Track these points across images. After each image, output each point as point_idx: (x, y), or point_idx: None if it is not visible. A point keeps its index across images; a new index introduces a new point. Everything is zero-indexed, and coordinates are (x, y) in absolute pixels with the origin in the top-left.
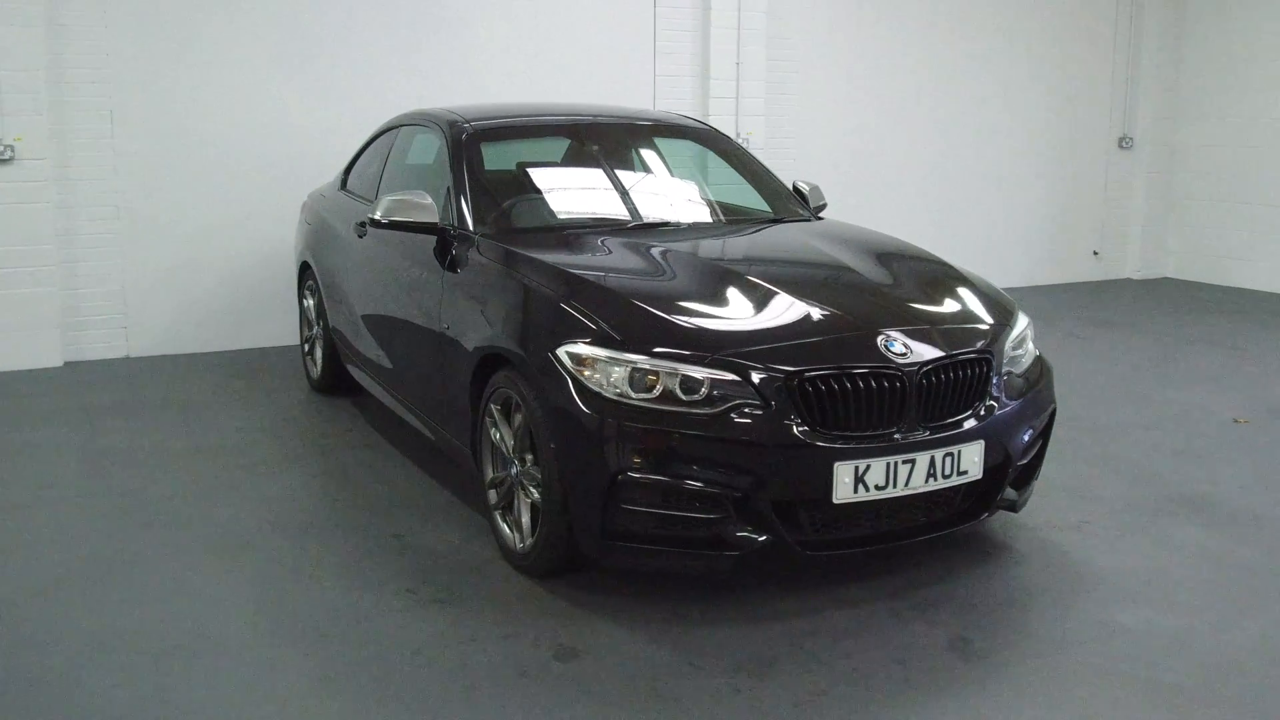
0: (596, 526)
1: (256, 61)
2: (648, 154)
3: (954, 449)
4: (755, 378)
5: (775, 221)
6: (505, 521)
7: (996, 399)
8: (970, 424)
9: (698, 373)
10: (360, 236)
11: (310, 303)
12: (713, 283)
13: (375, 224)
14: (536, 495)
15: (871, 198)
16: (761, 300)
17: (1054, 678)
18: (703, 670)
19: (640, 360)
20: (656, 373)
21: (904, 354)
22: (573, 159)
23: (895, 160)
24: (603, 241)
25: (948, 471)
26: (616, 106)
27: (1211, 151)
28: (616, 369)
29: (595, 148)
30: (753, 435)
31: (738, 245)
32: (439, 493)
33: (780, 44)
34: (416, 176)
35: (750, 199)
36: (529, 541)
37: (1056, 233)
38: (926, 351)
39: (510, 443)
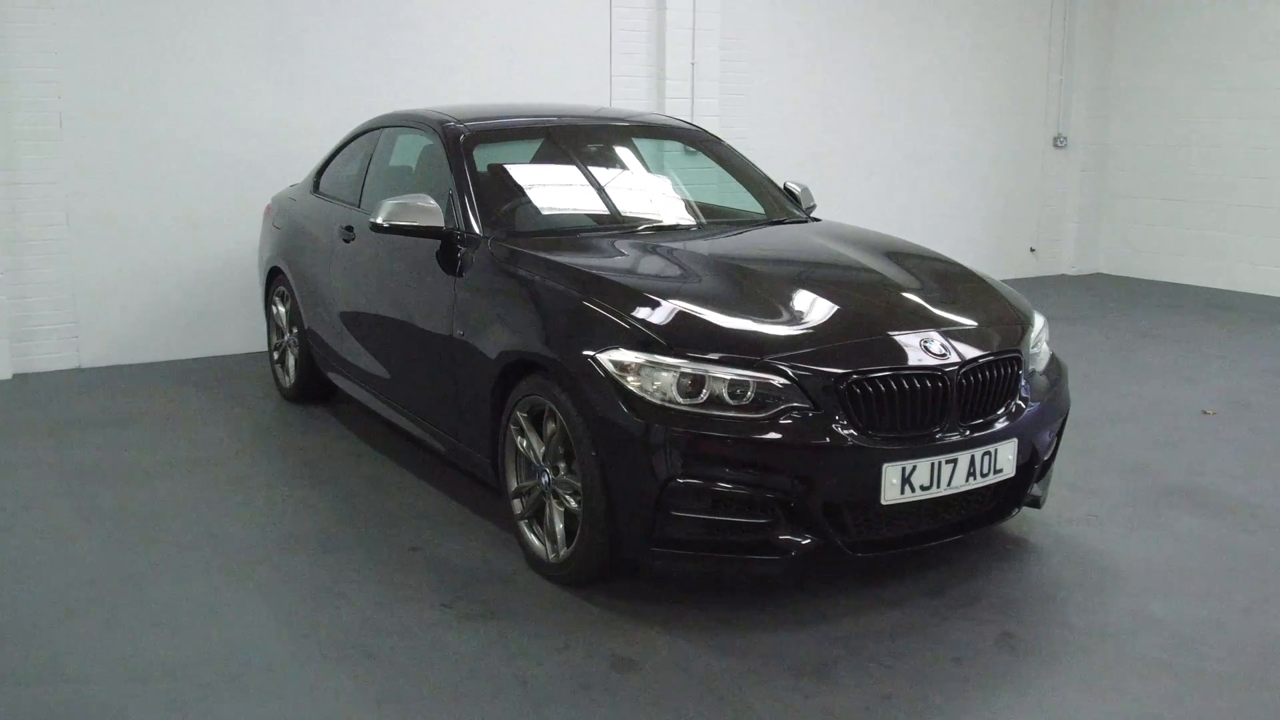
0: (645, 534)
1: (212, 58)
2: (643, 155)
3: (991, 448)
4: (804, 381)
5: (776, 223)
6: (532, 531)
7: (1024, 398)
8: (1003, 423)
9: (746, 376)
10: (346, 241)
11: (281, 309)
12: (743, 285)
13: (377, 228)
14: (574, 504)
15: (820, 196)
16: (795, 302)
17: (1105, 670)
18: (765, 676)
19: (687, 365)
20: (704, 377)
21: (943, 354)
22: (571, 161)
23: (842, 160)
24: (619, 245)
25: (985, 470)
26: (603, 108)
27: (1141, 150)
28: (663, 374)
29: (592, 149)
30: (803, 438)
31: (753, 246)
32: (446, 503)
33: (734, 45)
34: (402, 179)
35: (744, 200)
36: (564, 551)
37: (995, 230)
38: (964, 352)
39: (540, 450)
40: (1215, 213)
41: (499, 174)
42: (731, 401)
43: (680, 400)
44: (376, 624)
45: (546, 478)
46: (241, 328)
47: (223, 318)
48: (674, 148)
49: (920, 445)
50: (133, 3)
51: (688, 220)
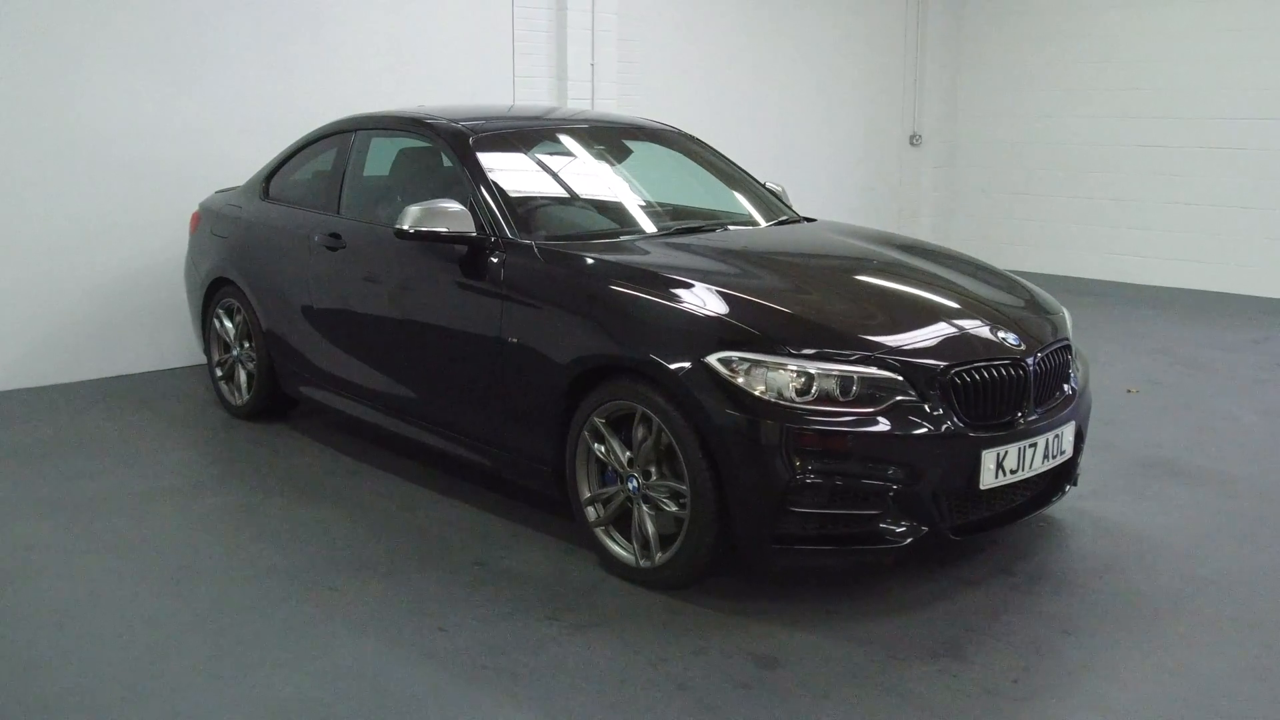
0: (766, 532)
1: (108, 64)
2: (647, 158)
3: (1059, 430)
4: (911, 374)
5: (783, 222)
6: (612, 537)
7: (1074, 383)
8: (1065, 407)
9: (859, 372)
10: (331, 250)
11: (228, 324)
12: (814, 282)
13: (403, 235)
14: (674, 507)
15: None
16: (871, 298)
17: (1196, 629)
18: (905, 660)
19: (800, 363)
20: (817, 374)
21: (1019, 345)
22: (579, 163)
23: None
24: (668, 245)
25: (1055, 452)
26: (584, 110)
27: (991, 147)
28: (775, 373)
29: (596, 151)
30: (914, 430)
31: (794, 245)
32: (480, 515)
33: (631, 45)
34: (393, 185)
35: (735, 201)
36: (661, 555)
37: (859, 223)
38: (1034, 341)
39: (624, 456)
40: (1062, 205)
41: (513, 177)
42: (840, 397)
43: (794, 398)
44: (495, 643)
45: (634, 483)
46: (156, 342)
47: (134, 332)
48: (668, 152)
49: (1009, 431)
50: (23, 3)
51: (711, 221)
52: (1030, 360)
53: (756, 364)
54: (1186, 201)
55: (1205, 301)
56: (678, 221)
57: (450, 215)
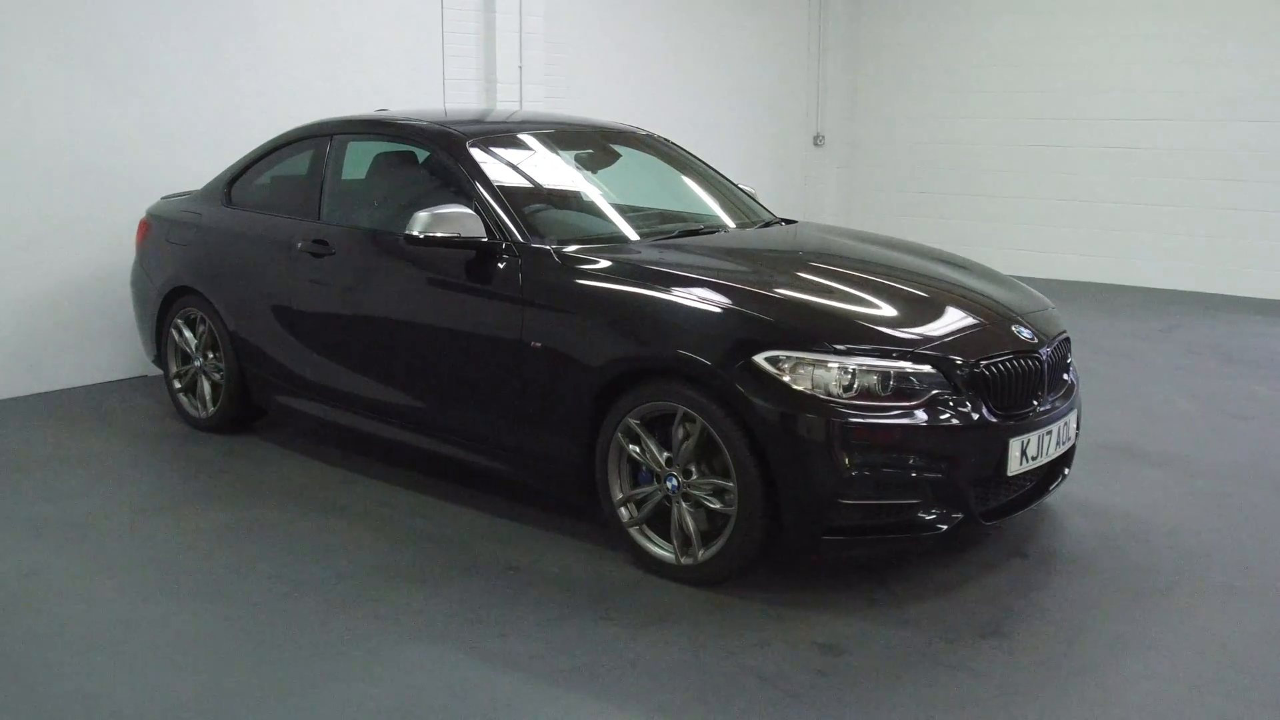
0: (817, 525)
1: (36, 68)
2: (629, 161)
3: (1066, 418)
4: (946, 368)
5: (769, 225)
6: (646, 536)
7: (1072, 373)
8: (1069, 396)
9: (899, 367)
10: (318, 256)
11: (189, 334)
12: (838, 281)
13: (414, 241)
14: (718, 504)
15: None
16: (893, 296)
17: (1200, 602)
18: (958, 640)
19: (843, 360)
20: (859, 370)
21: (1033, 338)
22: (571, 165)
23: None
24: (684, 246)
25: (1063, 439)
26: (562, 113)
27: (890, 148)
28: (820, 370)
29: (586, 154)
30: (952, 421)
31: (803, 246)
32: (496, 521)
33: (558, 48)
34: (378, 189)
35: (722, 204)
36: (704, 552)
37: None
38: (1042, 334)
39: (661, 455)
40: (961, 203)
41: (513, 180)
42: (880, 392)
43: (840, 394)
44: (560, 646)
45: (673, 482)
46: (86, 357)
47: (61, 347)
48: (651, 156)
49: (1030, 420)
50: None
51: (709, 223)
52: (1044, 351)
53: (803, 362)
54: (1082, 199)
55: (1106, 294)
56: (677, 224)
57: (461, 220)
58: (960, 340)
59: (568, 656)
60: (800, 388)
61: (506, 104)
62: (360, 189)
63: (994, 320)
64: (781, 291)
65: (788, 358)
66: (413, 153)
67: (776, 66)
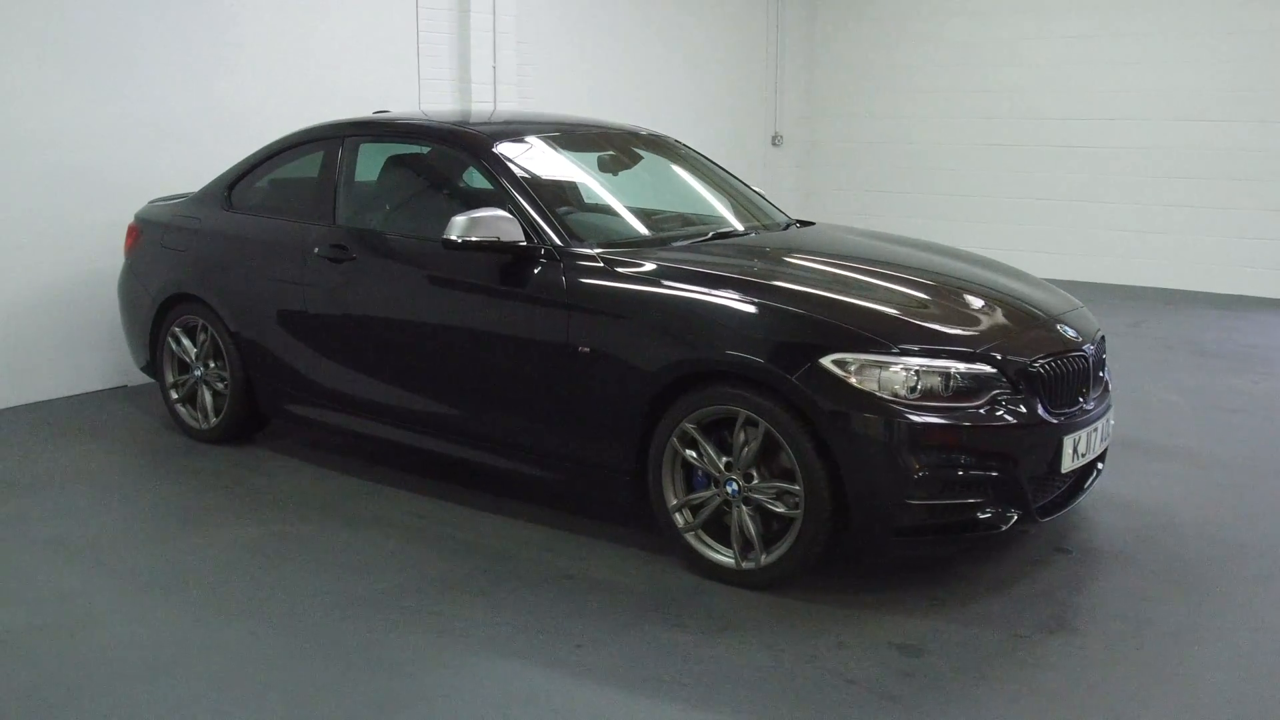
0: (887, 526)
1: (24, 59)
2: (648, 163)
3: (1107, 415)
4: (1006, 368)
5: (789, 227)
6: (703, 540)
7: (1106, 371)
8: (1107, 395)
9: (960, 368)
10: (336, 261)
11: (187, 343)
12: (884, 282)
13: (451, 245)
14: (782, 508)
15: None
16: (942, 297)
17: (1240, 590)
18: (1030, 636)
19: (908, 361)
20: (923, 371)
21: (1077, 337)
22: (593, 168)
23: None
24: (731, 249)
25: (1105, 435)
26: (568, 114)
27: (846, 147)
28: (887, 372)
29: (607, 157)
30: (1014, 420)
31: (840, 248)
32: (531, 527)
33: (530, 48)
34: (402, 194)
35: (744, 206)
36: (766, 556)
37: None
38: (1085, 333)
39: (720, 460)
40: (917, 202)
41: (543, 182)
42: (943, 392)
43: (907, 395)
44: (638, 655)
45: (733, 486)
46: (66, 367)
47: (40, 357)
48: (661, 157)
49: (1080, 418)
50: None
51: (738, 224)
52: (1088, 349)
53: (869, 364)
54: (1039, 197)
55: (1065, 290)
56: (704, 226)
57: (498, 224)
58: (1014, 340)
59: (648, 666)
60: (867, 390)
61: (480, 104)
62: (379, 192)
63: (1040, 320)
64: (840, 294)
65: (855, 360)
66: (433, 155)
67: (735, 67)
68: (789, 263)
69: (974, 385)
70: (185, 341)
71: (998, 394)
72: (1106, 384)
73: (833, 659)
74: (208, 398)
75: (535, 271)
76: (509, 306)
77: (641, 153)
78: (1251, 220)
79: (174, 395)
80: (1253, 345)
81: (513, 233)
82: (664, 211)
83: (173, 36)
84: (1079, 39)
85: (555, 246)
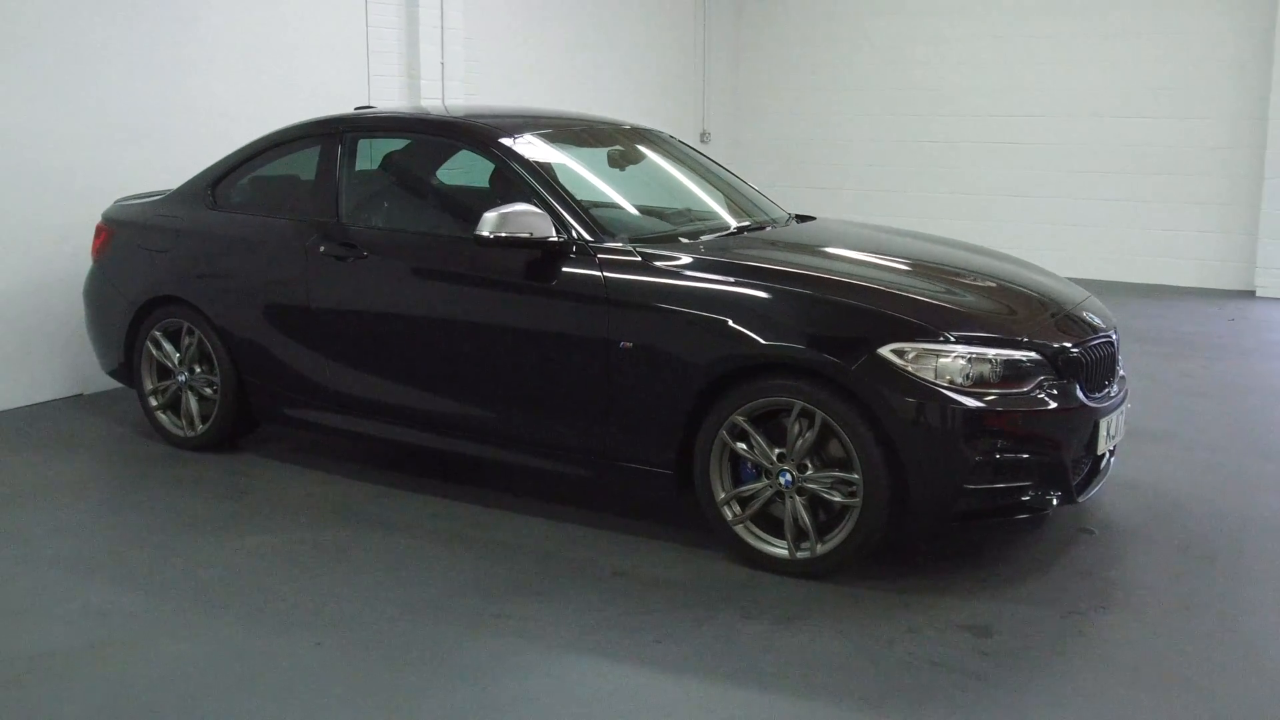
0: (945, 511)
1: None
2: (654, 159)
3: (1126, 400)
4: (1051, 355)
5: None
6: (751, 533)
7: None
8: (1124, 380)
9: (1010, 355)
10: (342, 259)
11: (169, 347)
12: (923, 274)
13: (483, 242)
14: (839, 497)
15: None
16: (975, 287)
17: (1269, 565)
18: (1087, 614)
19: (962, 349)
20: (976, 359)
21: (1102, 324)
22: (604, 163)
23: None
24: (765, 243)
25: (1127, 418)
26: (566, 110)
27: (774, 144)
28: (943, 360)
29: (616, 152)
30: (1061, 404)
31: (864, 241)
32: (568, 526)
33: (476, 44)
34: (409, 189)
35: (748, 201)
36: (822, 546)
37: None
38: (1105, 321)
39: (772, 452)
40: (845, 200)
41: (566, 178)
42: (994, 379)
43: (963, 383)
44: (718, 649)
45: (787, 477)
46: (19, 376)
47: None
48: (657, 151)
49: (1109, 402)
50: None
51: (749, 219)
52: (1114, 336)
53: (927, 353)
54: (964, 192)
55: None
56: (719, 220)
57: (530, 219)
58: (1053, 327)
59: (731, 658)
60: (925, 378)
61: (429, 101)
62: (387, 188)
63: (1067, 308)
64: (889, 285)
65: (912, 349)
66: (442, 150)
67: (667, 64)
68: (824, 255)
69: (1022, 371)
70: (167, 346)
71: (1043, 379)
72: (1122, 369)
73: (909, 643)
74: (193, 404)
75: (568, 267)
76: (542, 302)
77: (642, 148)
78: (1168, 212)
79: (154, 402)
80: (1187, 332)
81: (544, 228)
82: (674, 207)
83: (131, 32)
84: (1001, 39)
85: (587, 241)
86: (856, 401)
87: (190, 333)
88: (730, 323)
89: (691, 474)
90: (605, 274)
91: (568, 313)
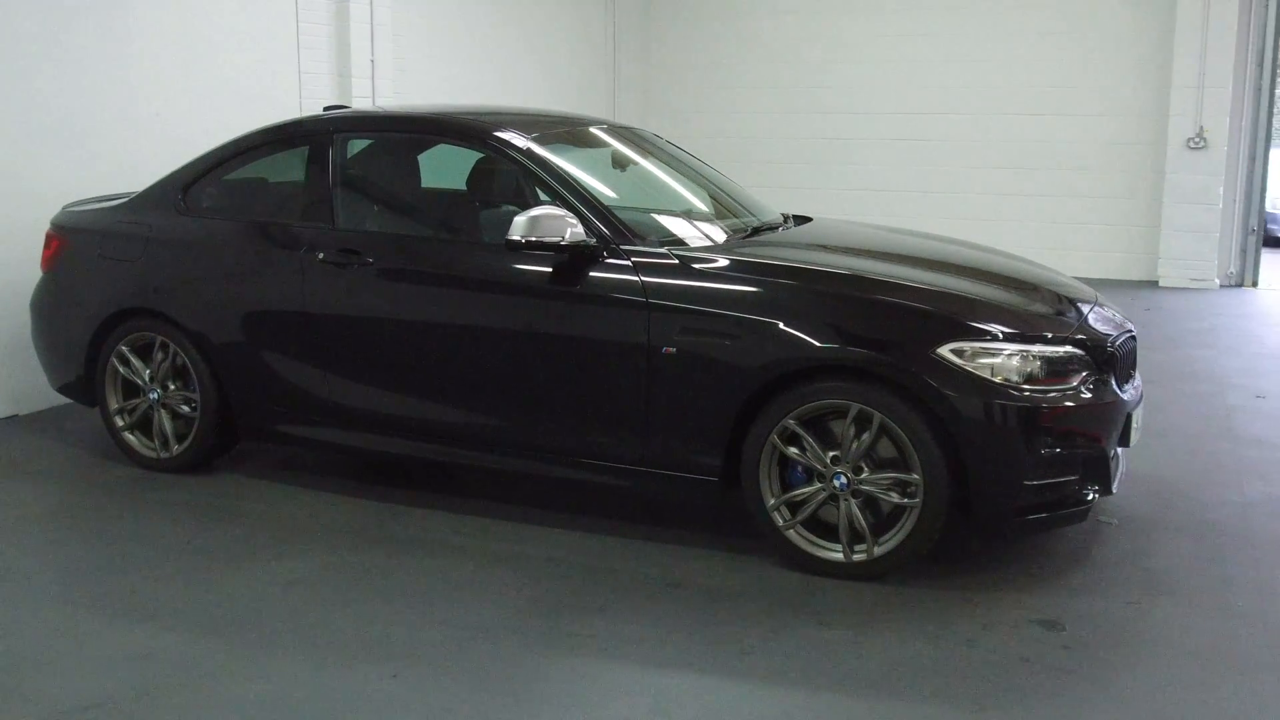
0: (1008, 508)
1: None
2: (651, 158)
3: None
4: (1092, 351)
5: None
6: (803, 537)
7: None
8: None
9: (1059, 352)
10: (342, 266)
11: (138, 363)
12: (956, 274)
13: (514, 246)
14: (896, 498)
15: None
16: (1011, 286)
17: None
18: (1144, 603)
19: (1015, 347)
20: (1029, 356)
21: (1124, 320)
22: (611, 163)
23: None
24: (802, 244)
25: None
26: (553, 109)
27: (682, 141)
28: (999, 359)
29: (622, 154)
30: (1104, 399)
31: (886, 242)
32: (603, 539)
33: (404, 41)
34: (415, 193)
35: (751, 202)
36: (880, 548)
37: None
38: (1124, 317)
39: (825, 455)
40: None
41: (586, 180)
42: (1044, 376)
43: (1019, 380)
44: (804, 657)
45: (841, 480)
46: None
47: None
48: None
49: (1137, 395)
50: None
51: (759, 220)
52: (1134, 332)
53: (983, 352)
54: (870, 188)
55: None
56: (735, 221)
57: (561, 223)
58: (1090, 325)
59: (820, 666)
60: (983, 376)
61: (361, 99)
62: (389, 192)
63: (1096, 306)
64: (936, 285)
65: (969, 348)
66: (447, 152)
67: (579, 62)
68: (858, 255)
69: (1069, 367)
70: (136, 362)
71: (1086, 375)
72: None
73: (989, 640)
74: (167, 423)
75: (599, 271)
76: (574, 308)
77: (634, 147)
78: (1073, 207)
79: (120, 422)
80: None
81: (575, 231)
82: (679, 208)
83: (64, 32)
84: (905, 36)
85: (620, 244)
86: (916, 402)
87: (164, 347)
88: (782, 325)
89: (733, 479)
90: (643, 278)
91: (604, 318)
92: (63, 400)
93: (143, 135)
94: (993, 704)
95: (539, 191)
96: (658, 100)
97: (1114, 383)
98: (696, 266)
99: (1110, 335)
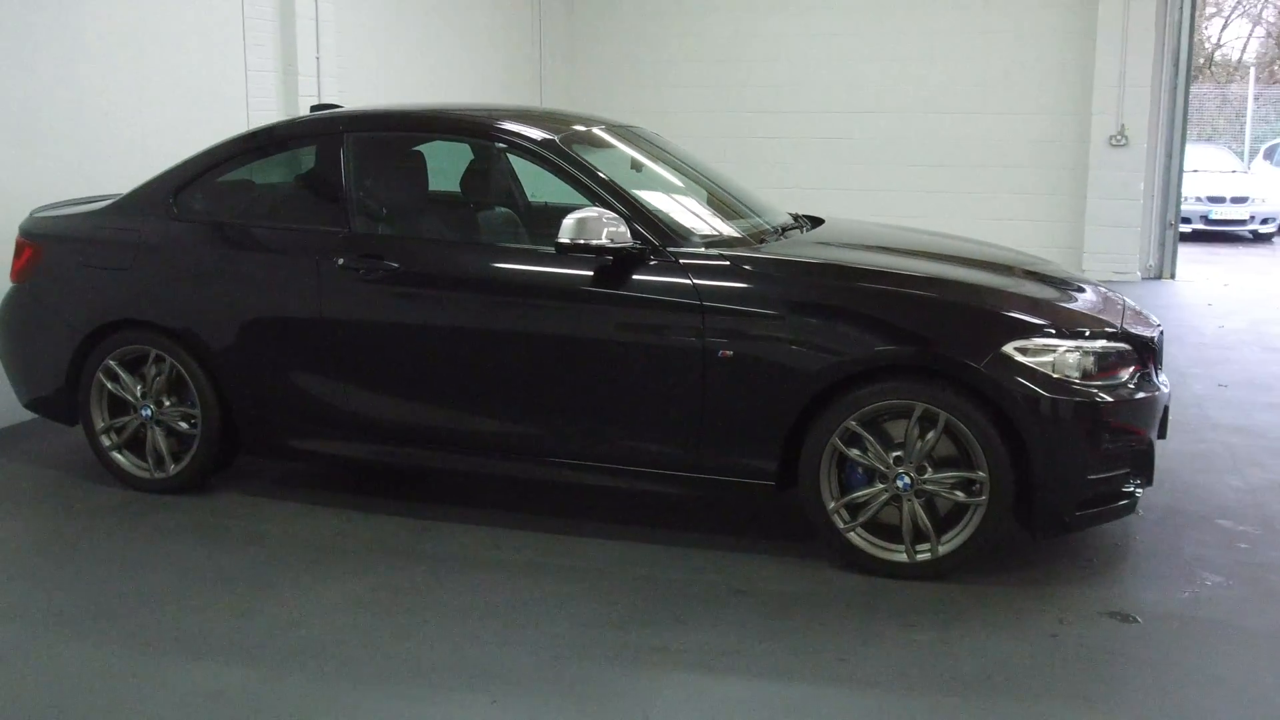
0: (1072, 504)
1: None
2: (664, 159)
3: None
4: (1137, 345)
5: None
6: (866, 539)
7: None
8: None
9: (1112, 347)
10: (366, 272)
11: (127, 378)
12: (992, 272)
13: (563, 249)
14: (962, 496)
15: None
16: (1049, 284)
17: None
18: (1202, 593)
19: (1074, 343)
20: (1087, 352)
21: (1148, 316)
22: (632, 164)
23: None
24: (839, 244)
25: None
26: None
27: None
28: (1061, 356)
29: (641, 152)
30: (1152, 392)
31: (910, 241)
32: (649, 548)
33: (346, 37)
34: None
35: (757, 202)
36: (944, 547)
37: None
38: (1146, 313)
39: (887, 456)
40: None
41: (622, 180)
42: (1097, 371)
43: (1078, 376)
44: (899, 663)
45: (905, 480)
46: None
47: None
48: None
49: (1169, 389)
50: None
51: (782, 220)
52: (1163, 327)
53: (1045, 349)
54: (799, 186)
55: None
56: (760, 221)
57: (607, 225)
58: (1129, 318)
59: (919, 670)
60: (1046, 373)
61: (307, 98)
62: (410, 194)
63: (1125, 302)
64: (991, 284)
65: (1033, 345)
66: (468, 151)
67: (508, 59)
68: (901, 255)
69: (1121, 362)
70: (126, 377)
71: (1133, 369)
72: None
73: (1071, 634)
74: (160, 441)
75: (646, 274)
76: (622, 312)
77: (642, 148)
78: (998, 203)
79: (107, 441)
80: None
81: (622, 234)
82: (709, 207)
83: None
84: (836, 36)
85: (668, 247)
86: (982, 400)
87: (159, 360)
88: (842, 326)
89: (788, 482)
90: (695, 280)
91: (654, 321)
92: (23, 417)
93: (93, 135)
94: (1100, 698)
95: (580, 195)
96: (585, 100)
97: (1154, 376)
98: (747, 268)
99: (1149, 329)
